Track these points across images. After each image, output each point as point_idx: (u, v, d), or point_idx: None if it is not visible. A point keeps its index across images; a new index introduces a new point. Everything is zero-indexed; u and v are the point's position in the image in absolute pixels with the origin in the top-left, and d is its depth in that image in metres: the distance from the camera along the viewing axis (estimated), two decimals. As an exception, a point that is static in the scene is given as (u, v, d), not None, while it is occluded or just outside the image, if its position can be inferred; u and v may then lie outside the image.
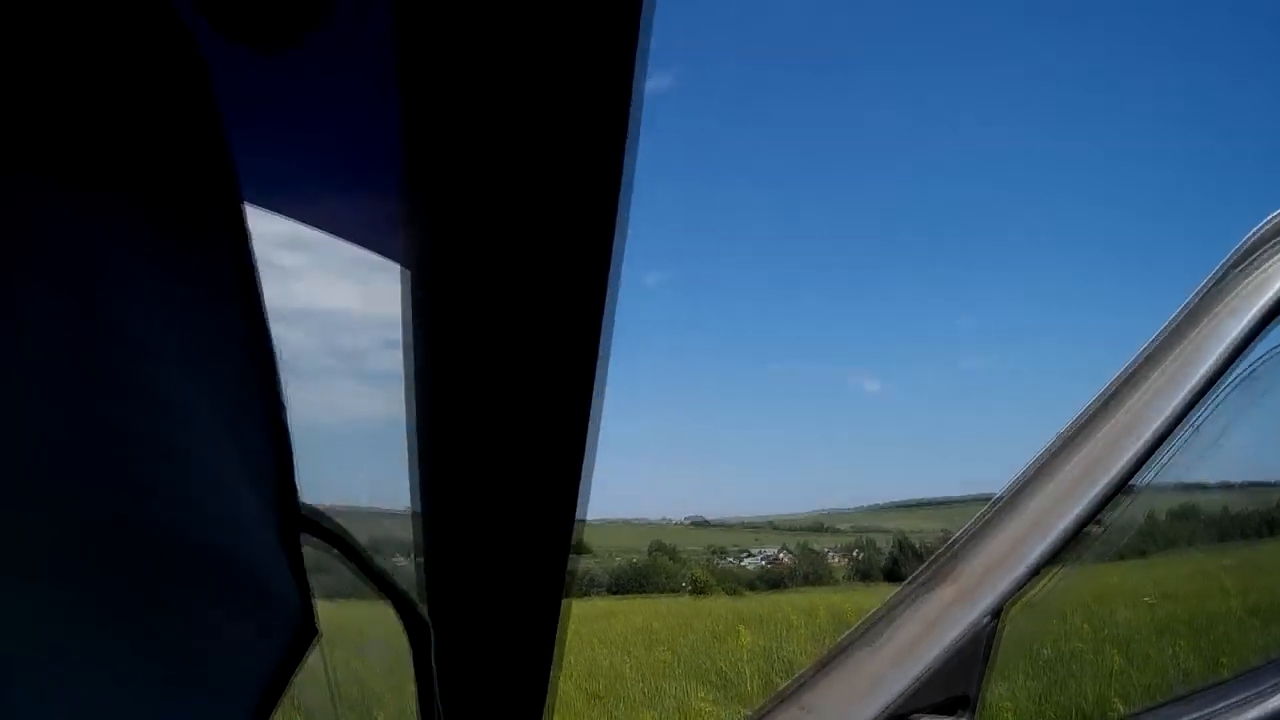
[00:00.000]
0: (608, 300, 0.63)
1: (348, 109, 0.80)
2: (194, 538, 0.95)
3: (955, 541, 1.68)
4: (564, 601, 0.92)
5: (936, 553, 1.70)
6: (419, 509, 0.83)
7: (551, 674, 1.00)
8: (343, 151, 0.85)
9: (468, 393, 0.71)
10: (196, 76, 0.73)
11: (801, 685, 1.60)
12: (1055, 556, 1.63)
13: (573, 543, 0.84)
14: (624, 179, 0.56)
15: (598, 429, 0.72)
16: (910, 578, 1.67)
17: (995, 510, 1.68)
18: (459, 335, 0.66)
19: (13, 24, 0.67)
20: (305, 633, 1.11)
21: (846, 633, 1.63)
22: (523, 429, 0.72)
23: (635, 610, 23.46)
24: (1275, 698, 1.84)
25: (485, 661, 0.97)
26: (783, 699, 1.59)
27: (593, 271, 0.61)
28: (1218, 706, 1.90)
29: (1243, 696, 1.88)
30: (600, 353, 0.66)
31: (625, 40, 0.51)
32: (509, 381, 0.69)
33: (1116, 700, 8.73)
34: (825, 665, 1.61)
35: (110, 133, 0.73)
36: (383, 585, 1.10)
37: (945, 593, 1.61)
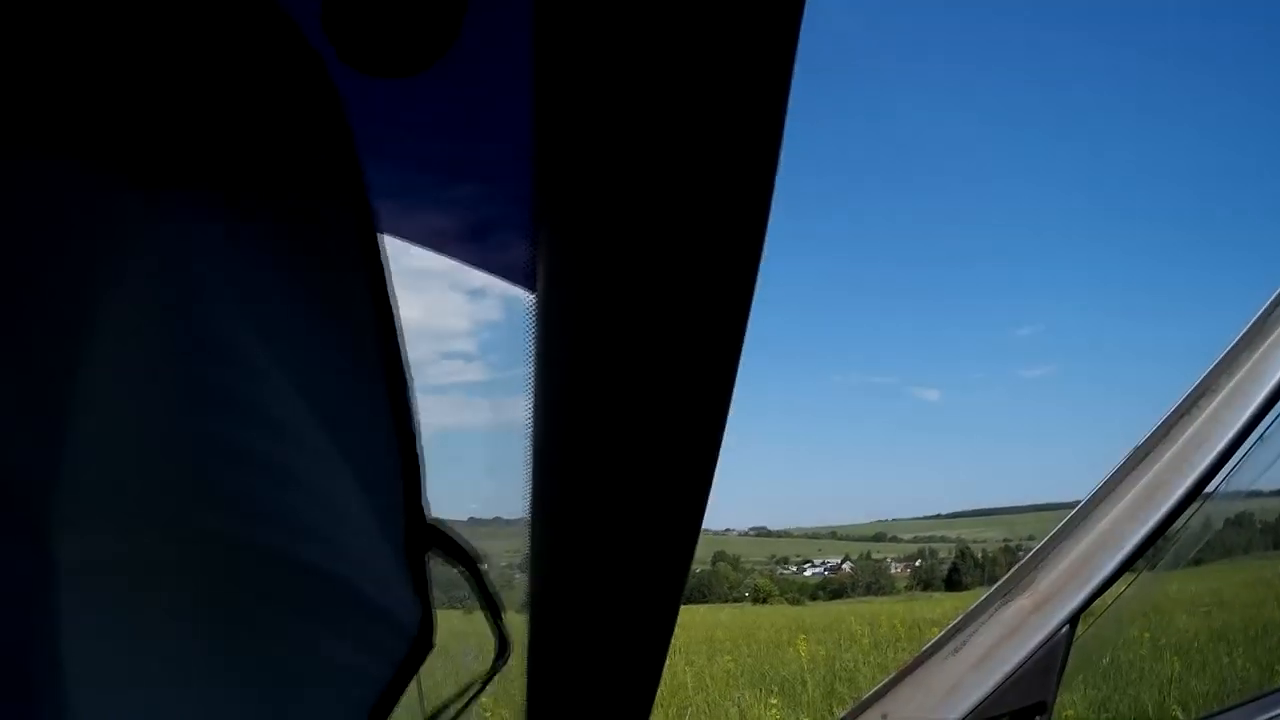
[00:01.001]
0: (747, 322, 0.64)
1: (477, 129, 0.84)
2: (311, 562, 0.97)
3: (1034, 552, 1.70)
4: (672, 628, 0.93)
5: (1018, 563, 1.72)
6: (532, 519, 0.85)
7: (651, 702, 1.00)
8: (471, 174, 0.87)
9: (596, 410, 0.73)
10: (327, 95, 0.76)
11: (883, 692, 1.63)
12: (1130, 566, 1.64)
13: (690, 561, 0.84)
14: (768, 214, 0.58)
15: (719, 450, 0.75)
16: (993, 588, 1.69)
17: (1074, 520, 1.69)
18: (589, 354, 0.69)
19: (135, 36, 0.70)
20: (420, 646, 1.13)
21: (928, 642, 1.65)
22: (653, 445, 0.75)
23: (698, 619, 23.41)
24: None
25: (589, 676, 0.98)
26: (864, 707, 1.62)
27: (734, 295, 0.63)
28: (1272, 713, 1.90)
29: None
30: (736, 374, 0.69)
31: (780, 70, 0.52)
32: (642, 398, 0.71)
33: (1176, 708, 8.64)
34: (906, 673, 1.63)
35: (236, 150, 0.76)
36: (494, 612, 1.12)
37: (1024, 602, 1.63)
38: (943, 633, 1.65)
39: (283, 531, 0.93)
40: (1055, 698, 1.59)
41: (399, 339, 0.87)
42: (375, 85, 0.78)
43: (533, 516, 0.86)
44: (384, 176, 0.86)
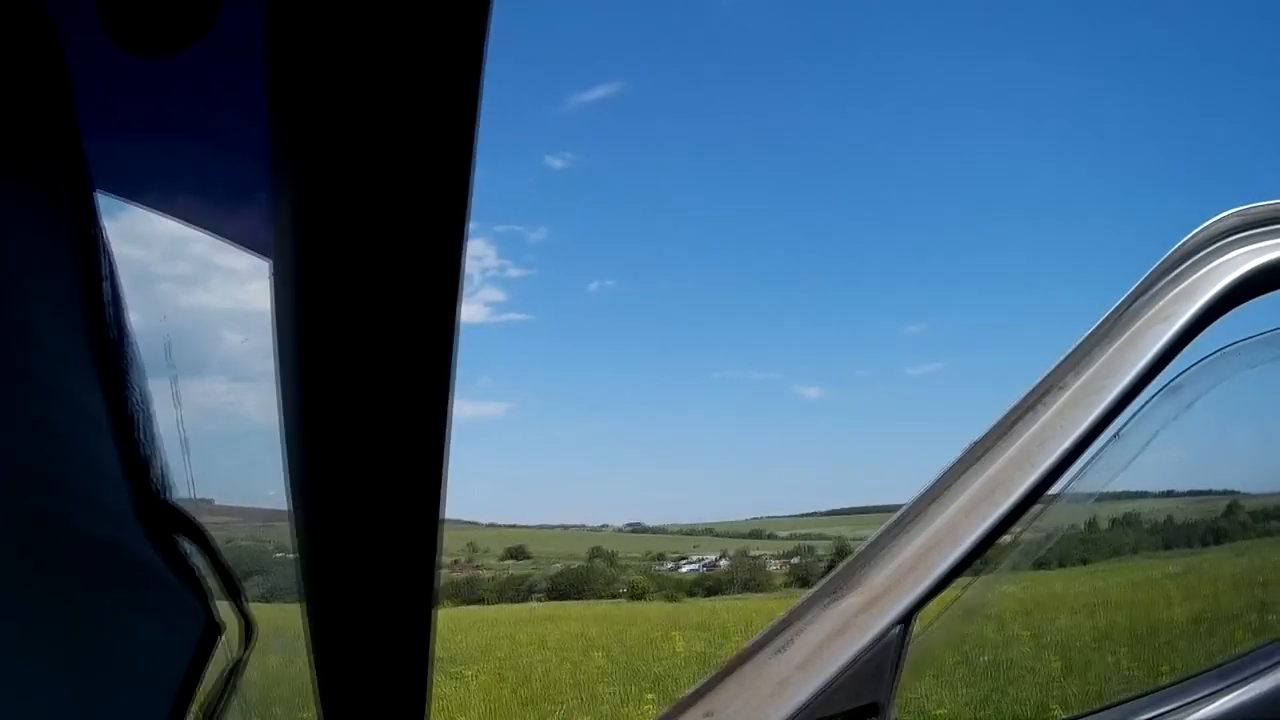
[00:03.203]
0: (458, 298, 0.64)
1: (221, 109, 0.81)
2: (96, 534, 0.94)
3: (864, 549, 1.69)
4: (434, 602, 0.92)
5: (844, 561, 1.71)
6: (293, 507, 0.83)
7: (427, 675, 1.00)
8: (218, 150, 0.86)
9: (327, 389, 0.71)
10: (53, 72, 0.72)
11: (705, 690, 1.59)
12: (967, 565, 1.64)
13: (437, 542, 0.84)
14: (469, 179, 0.59)
15: (451, 428, 0.73)
16: (818, 585, 1.67)
17: (904, 519, 1.69)
18: (320, 331, 0.67)
19: None
20: (210, 631, 1.10)
21: (752, 638, 1.63)
22: (381, 426, 0.73)
23: (573, 615, 23.50)
24: (1215, 703, 1.88)
25: (362, 662, 0.97)
26: (687, 704, 1.59)
27: (441, 266, 0.63)
28: (1156, 712, 1.92)
29: (1182, 702, 1.91)
30: (453, 348, 0.67)
31: (471, 54, 0.55)
32: (366, 377, 0.69)
33: (1055, 707, 8.90)
34: (730, 670, 1.60)
35: None
36: (227, 585, 1.10)
37: (853, 600, 1.62)
38: (766, 630, 1.63)
39: (73, 506, 0.91)
40: (890, 699, 1.58)
41: (122, 319, 0.84)
42: (130, 66, 0.77)
43: (292, 504, 0.84)
44: (138, 151, 0.87)
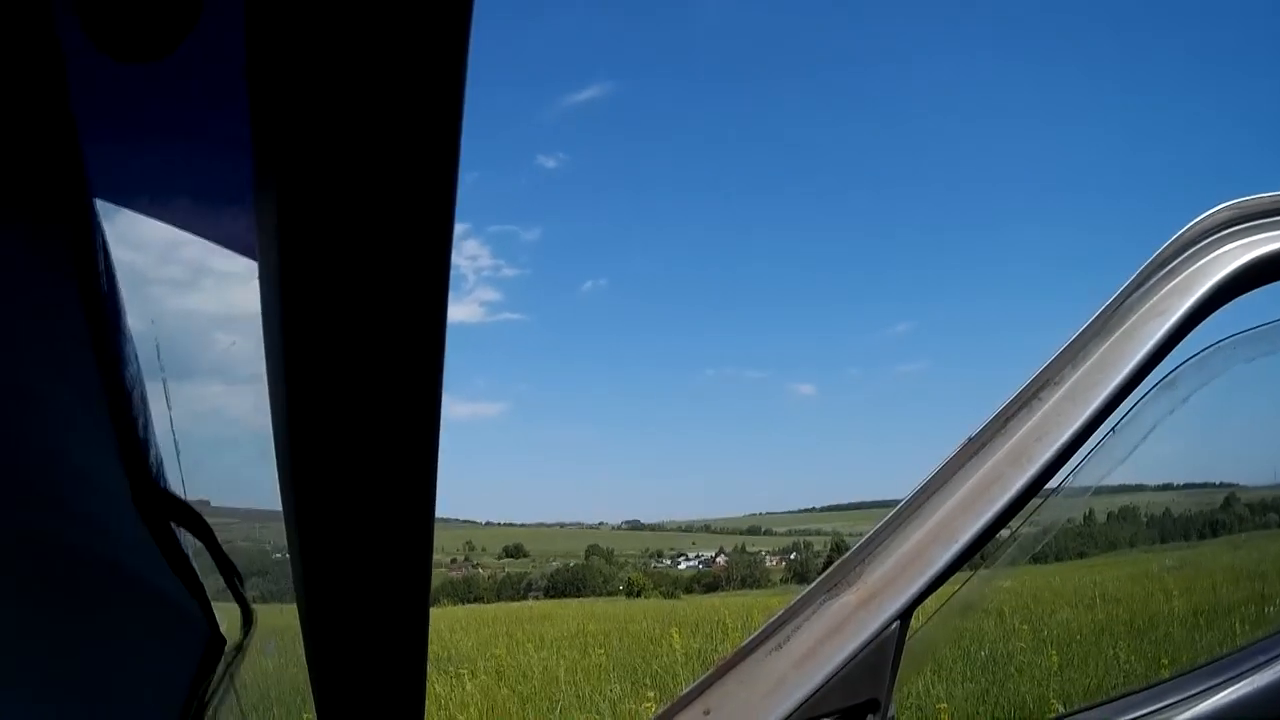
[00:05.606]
0: (445, 295, 0.64)
1: (204, 112, 0.81)
2: (90, 551, 0.93)
3: (859, 546, 1.68)
4: (428, 601, 0.92)
5: (841, 558, 1.70)
6: (285, 509, 0.82)
7: (423, 674, 0.99)
8: (201, 153, 0.85)
9: (316, 391, 0.71)
10: (54, 79, 0.72)
11: (703, 687, 1.59)
12: (964, 561, 1.63)
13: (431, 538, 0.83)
14: (455, 174, 0.59)
15: (441, 426, 0.73)
16: (814, 582, 1.66)
17: (900, 515, 1.68)
18: (307, 332, 0.67)
19: None
20: (214, 644, 1.09)
21: (750, 636, 1.62)
22: (372, 425, 0.73)
23: (571, 613, 23.50)
24: (1214, 697, 1.87)
25: (358, 663, 0.96)
26: (685, 702, 1.58)
27: (429, 262, 0.63)
28: (1156, 706, 1.91)
29: (1182, 696, 1.90)
30: (442, 347, 0.68)
31: (454, 52, 0.55)
32: (356, 377, 0.69)
33: (1056, 701, 8.88)
34: (728, 668, 1.60)
35: None
36: (227, 577, 1.09)
37: (850, 597, 1.61)
38: (764, 628, 1.62)
39: (67, 523, 0.90)
40: (889, 695, 1.57)
41: (120, 326, 0.83)
42: (113, 71, 0.76)
43: (285, 505, 0.83)
44: (126, 157, 0.86)
